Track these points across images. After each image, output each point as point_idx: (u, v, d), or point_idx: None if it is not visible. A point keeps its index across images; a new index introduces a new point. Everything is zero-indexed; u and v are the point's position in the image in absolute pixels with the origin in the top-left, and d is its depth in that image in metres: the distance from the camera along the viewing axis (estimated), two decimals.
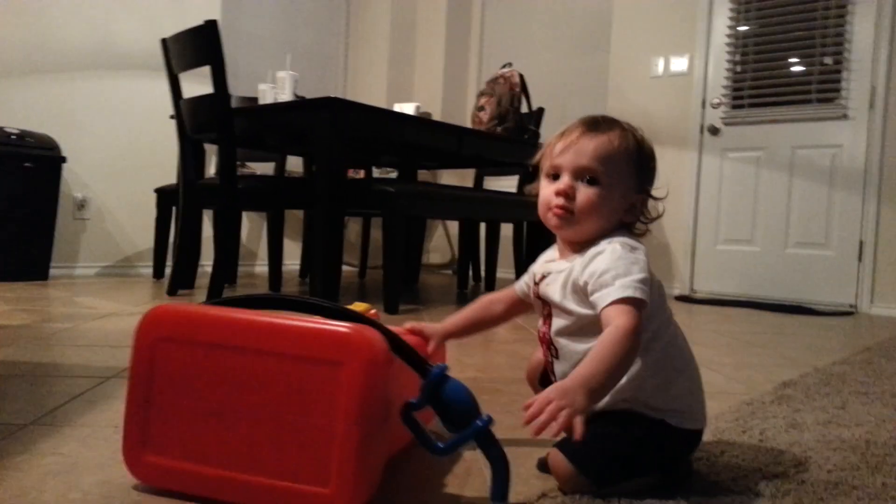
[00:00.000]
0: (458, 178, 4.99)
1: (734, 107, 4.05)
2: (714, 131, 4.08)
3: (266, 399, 0.81)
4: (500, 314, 1.10)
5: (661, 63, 4.28)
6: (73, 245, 3.70)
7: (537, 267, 1.02)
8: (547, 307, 0.97)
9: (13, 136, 3.22)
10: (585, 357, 0.82)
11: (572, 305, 0.91)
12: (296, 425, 0.79)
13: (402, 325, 1.05)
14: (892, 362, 2.06)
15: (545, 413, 0.74)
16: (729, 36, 4.03)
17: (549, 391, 0.77)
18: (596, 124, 0.94)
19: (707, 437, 1.17)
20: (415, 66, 5.27)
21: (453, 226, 5.04)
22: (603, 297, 0.84)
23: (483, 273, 4.05)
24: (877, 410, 1.45)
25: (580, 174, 0.92)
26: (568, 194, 0.92)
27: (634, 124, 0.97)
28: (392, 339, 0.83)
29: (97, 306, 2.59)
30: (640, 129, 0.96)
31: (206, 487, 0.82)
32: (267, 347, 0.81)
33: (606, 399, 0.86)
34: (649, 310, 0.86)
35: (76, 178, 3.67)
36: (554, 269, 0.95)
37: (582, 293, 0.89)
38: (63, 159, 3.40)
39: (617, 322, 0.81)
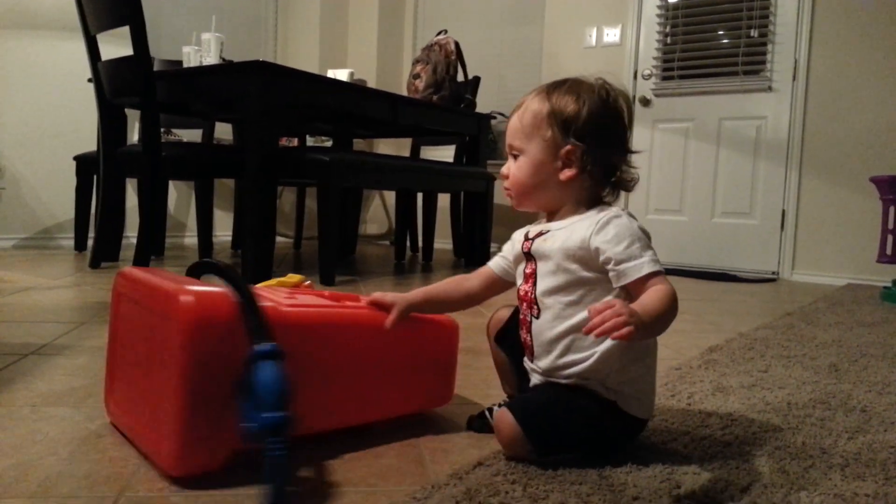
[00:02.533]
0: (394, 147, 4.93)
1: (664, 78, 4.12)
2: (645, 102, 4.15)
3: (146, 349, 0.88)
4: (474, 291, 1.08)
5: (594, 33, 4.30)
6: None
7: (520, 234, 1.02)
8: (532, 266, 0.97)
9: None
10: (642, 297, 0.85)
11: (572, 264, 0.92)
12: (159, 376, 0.84)
13: (367, 296, 1.05)
14: (812, 326, 2.16)
15: (611, 321, 0.75)
16: (660, 7, 4.08)
17: (614, 302, 0.78)
18: (527, 96, 0.99)
19: None
20: (348, 31, 5.14)
21: (390, 196, 4.99)
22: (637, 268, 0.88)
23: (421, 244, 4.03)
24: (798, 373, 1.51)
25: (512, 153, 0.99)
26: (507, 176, 0.99)
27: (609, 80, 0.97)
28: (246, 299, 0.80)
29: (14, 280, 2.45)
30: (603, 86, 0.96)
31: (127, 432, 0.94)
32: (143, 301, 0.90)
33: (569, 371, 0.92)
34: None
35: None
36: (553, 227, 0.96)
37: (586, 254, 0.90)
38: None
39: (665, 286, 0.86)
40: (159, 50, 3.79)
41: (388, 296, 1.03)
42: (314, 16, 4.93)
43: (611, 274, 0.89)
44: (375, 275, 3.11)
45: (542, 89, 0.98)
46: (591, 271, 0.91)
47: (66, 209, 3.63)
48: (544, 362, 0.95)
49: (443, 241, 4.38)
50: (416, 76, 3.63)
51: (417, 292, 1.05)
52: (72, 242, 3.55)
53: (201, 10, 4.25)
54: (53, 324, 1.72)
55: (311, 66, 4.68)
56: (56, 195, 3.68)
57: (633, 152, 0.98)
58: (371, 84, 4.68)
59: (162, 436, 0.81)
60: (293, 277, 1.64)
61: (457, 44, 3.61)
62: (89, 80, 2.85)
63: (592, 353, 0.91)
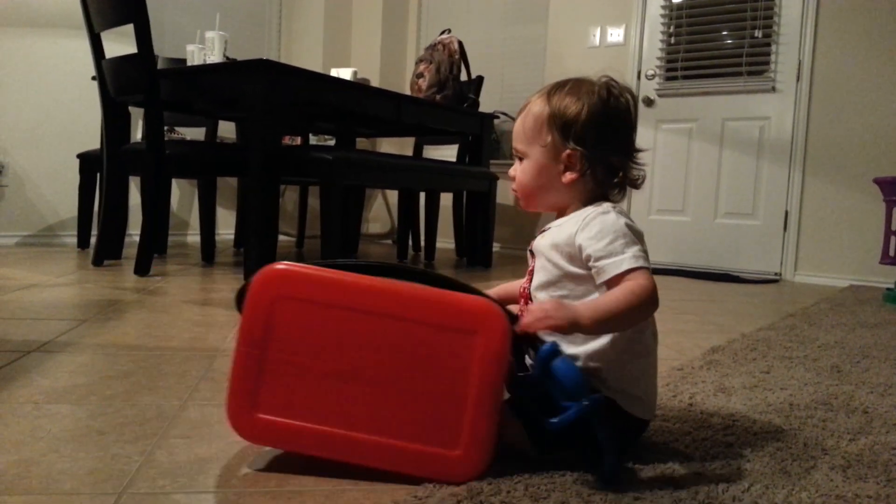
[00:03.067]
0: (397, 146, 4.93)
1: (668, 78, 4.11)
2: (649, 103, 4.15)
3: (395, 362, 0.84)
4: None
5: (597, 33, 4.30)
6: None
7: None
8: (533, 262, 1.01)
9: None
10: (603, 294, 0.88)
11: (558, 258, 0.94)
12: (426, 389, 0.83)
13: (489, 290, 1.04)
14: (814, 328, 2.16)
15: (531, 316, 0.84)
16: (664, 7, 4.08)
17: (549, 302, 0.87)
18: (531, 98, 1.01)
19: None
20: (351, 30, 5.14)
21: (393, 195, 4.99)
22: (616, 265, 0.88)
23: (423, 243, 4.03)
24: (799, 374, 1.51)
25: (517, 156, 1.02)
26: (514, 178, 1.02)
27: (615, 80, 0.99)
28: (507, 312, 0.86)
29: (17, 277, 2.45)
30: (605, 85, 0.96)
31: (326, 447, 0.84)
32: (399, 313, 0.84)
33: None
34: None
35: None
36: (553, 225, 1.00)
37: (572, 251, 0.92)
38: None
39: (639, 280, 0.86)
40: (163, 48, 3.80)
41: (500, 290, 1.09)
42: (318, 14, 4.93)
43: (592, 271, 0.90)
44: None
45: (543, 91, 0.99)
46: (578, 267, 0.92)
47: (69, 207, 3.63)
48: None
49: (445, 241, 4.38)
50: (420, 75, 3.63)
51: (500, 289, 1.11)
52: (75, 240, 3.55)
53: (205, 9, 4.25)
54: (56, 321, 1.72)
55: (315, 64, 4.68)
56: (59, 193, 3.69)
57: (637, 151, 0.98)
58: (374, 83, 4.68)
59: (452, 442, 0.83)
60: None
61: (460, 43, 3.61)
62: (93, 78, 2.85)
63: (585, 348, 0.91)
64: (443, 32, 3.68)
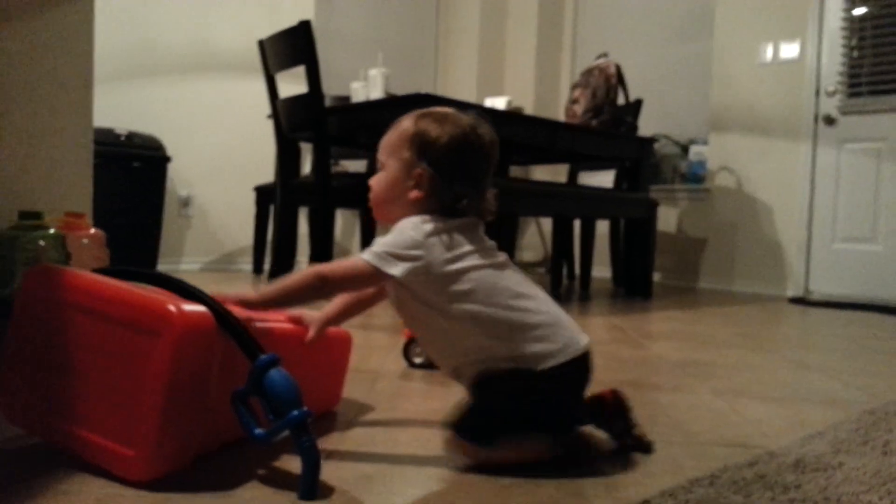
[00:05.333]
0: (550, 173, 4.88)
1: (851, 95, 3.74)
2: (829, 121, 3.79)
3: (95, 359, 0.87)
4: (374, 291, 1.11)
5: (769, 49, 4.01)
6: (178, 241, 3.87)
7: None
8: None
9: (122, 138, 3.39)
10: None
11: None
12: (116, 387, 0.85)
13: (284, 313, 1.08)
14: None
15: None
16: (844, 19, 3.73)
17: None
18: (405, 117, 1.05)
19: (823, 447, 1.09)
20: (505, 59, 5.19)
21: (546, 223, 4.94)
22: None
23: (578, 272, 3.94)
24: None
25: (379, 167, 1.05)
26: (370, 187, 1.06)
27: (472, 119, 1.03)
28: (226, 321, 0.86)
29: None
30: (471, 120, 1.02)
31: (52, 435, 0.90)
32: (100, 310, 0.87)
33: (458, 363, 0.99)
34: (399, 275, 0.93)
35: (180, 176, 3.83)
36: None
37: None
38: (168, 159, 3.54)
39: (331, 264, 0.96)
40: (330, 86, 4.03)
41: (305, 313, 1.08)
42: (473, 46, 5.03)
43: None
44: None
45: (415, 112, 1.04)
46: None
47: (246, 235, 3.93)
48: (445, 367, 1.03)
49: (601, 270, 4.25)
50: (575, 101, 3.57)
51: (328, 308, 1.10)
52: (250, 266, 3.84)
53: (367, 48, 4.48)
54: None
55: (469, 94, 4.77)
56: (237, 222, 4.00)
57: (484, 188, 1.02)
58: (528, 111, 4.68)
59: (130, 441, 0.82)
60: None
61: (618, 67, 3.52)
62: (269, 117, 3.08)
63: (445, 342, 0.99)
64: (599, 57, 3.61)
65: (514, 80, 5.12)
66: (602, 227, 4.09)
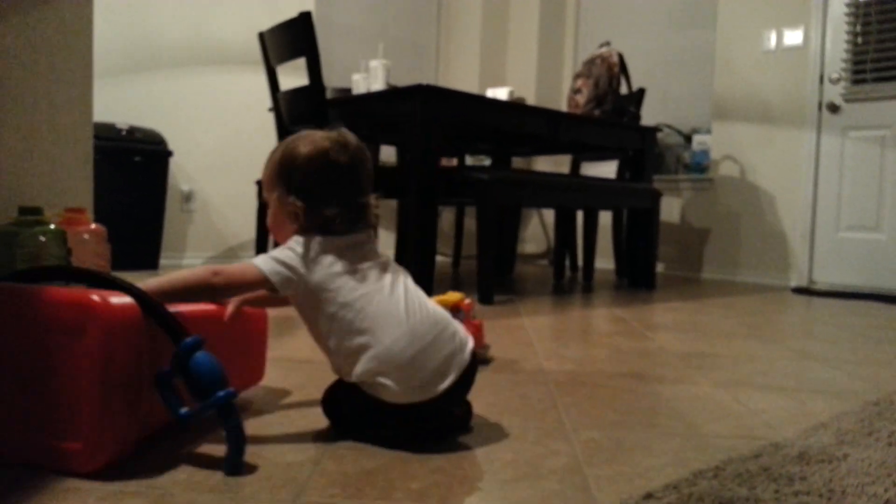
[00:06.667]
0: (553, 164, 4.86)
1: (855, 82, 3.71)
2: (833, 109, 3.77)
3: (25, 360, 0.86)
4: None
5: (772, 36, 3.98)
6: (180, 236, 3.86)
7: None
8: None
9: (123, 132, 3.38)
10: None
11: None
12: (50, 386, 0.85)
13: None
14: None
15: None
16: (848, 5, 3.70)
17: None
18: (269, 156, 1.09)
19: (828, 438, 1.10)
20: (507, 50, 5.17)
21: (549, 214, 4.92)
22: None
23: (581, 263, 3.93)
24: None
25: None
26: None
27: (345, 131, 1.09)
28: (149, 306, 0.88)
29: None
30: (332, 136, 1.05)
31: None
32: (26, 314, 0.87)
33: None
34: (278, 284, 0.98)
35: (181, 171, 3.82)
36: None
37: None
38: (170, 153, 3.54)
39: (226, 267, 1.00)
40: (331, 78, 4.02)
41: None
42: (474, 37, 5.01)
43: None
44: (534, 294, 3.06)
45: (283, 142, 1.07)
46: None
47: (248, 229, 3.93)
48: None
49: (603, 261, 4.24)
50: (577, 91, 3.55)
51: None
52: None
53: (369, 40, 4.46)
54: None
55: (471, 85, 4.75)
56: (239, 217, 4.00)
57: (359, 200, 1.05)
58: (530, 101, 4.66)
59: (74, 436, 0.84)
60: (453, 295, 1.64)
61: (620, 55, 3.50)
62: (269, 110, 3.06)
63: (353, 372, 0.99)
64: (602, 45, 3.59)
65: (516, 70, 5.10)
66: (604, 217, 4.08)
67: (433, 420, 1.02)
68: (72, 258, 1.36)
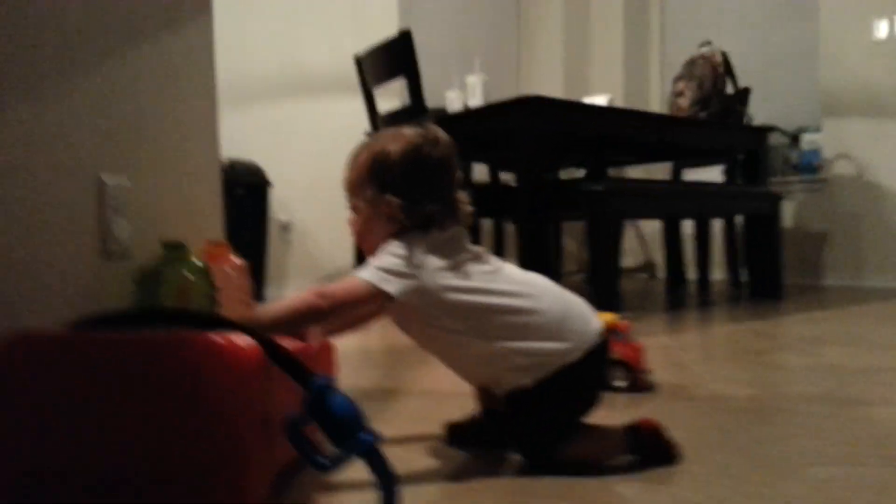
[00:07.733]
0: (644, 173, 4.66)
1: None
2: None
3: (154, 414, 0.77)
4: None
5: (883, 25, 3.71)
6: (281, 267, 3.86)
7: None
8: None
9: (225, 166, 3.40)
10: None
11: None
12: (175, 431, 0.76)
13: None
14: None
15: None
16: None
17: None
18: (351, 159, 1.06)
19: None
20: (591, 56, 5.01)
21: (647, 226, 4.71)
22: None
23: (696, 275, 3.72)
24: None
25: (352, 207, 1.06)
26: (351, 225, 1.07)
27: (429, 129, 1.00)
28: (270, 348, 0.78)
29: None
30: (421, 131, 0.99)
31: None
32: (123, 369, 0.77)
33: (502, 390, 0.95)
34: (395, 293, 0.91)
35: (279, 201, 3.82)
36: None
37: None
38: (269, 184, 3.54)
39: (329, 286, 0.92)
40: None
41: None
42: (556, 45, 4.88)
43: None
44: (650, 310, 2.88)
45: (366, 142, 1.06)
46: None
47: (345, 257, 3.89)
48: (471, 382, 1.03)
49: (713, 272, 4.01)
50: (679, 94, 3.39)
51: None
52: None
53: (452, 57, 4.39)
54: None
55: (556, 94, 4.59)
56: (334, 244, 3.96)
57: (453, 196, 0.99)
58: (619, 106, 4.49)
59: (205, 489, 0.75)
60: (607, 316, 1.50)
61: (724, 54, 3.32)
62: (367, 134, 3.02)
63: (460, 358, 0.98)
64: (702, 45, 3.42)
65: (601, 76, 4.93)
66: (712, 226, 3.86)
67: (600, 387, 0.99)
68: (218, 296, 1.30)
